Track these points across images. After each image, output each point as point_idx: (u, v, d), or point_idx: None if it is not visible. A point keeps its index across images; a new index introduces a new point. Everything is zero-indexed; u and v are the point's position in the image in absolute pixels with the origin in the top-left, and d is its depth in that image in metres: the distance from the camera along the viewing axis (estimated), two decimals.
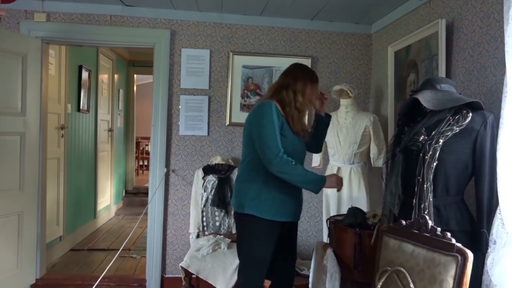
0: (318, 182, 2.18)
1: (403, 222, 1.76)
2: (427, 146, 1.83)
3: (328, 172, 3.36)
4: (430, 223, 1.65)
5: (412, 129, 1.94)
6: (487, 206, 1.79)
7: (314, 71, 2.42)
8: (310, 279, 2.84)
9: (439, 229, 1.61)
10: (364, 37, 3.83)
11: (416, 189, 1.84)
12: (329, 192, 3.35)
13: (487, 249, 1.77)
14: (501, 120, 1.81)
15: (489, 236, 1.78)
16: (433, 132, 1.85)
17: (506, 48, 1.80)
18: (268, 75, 3.75)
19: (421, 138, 1.88)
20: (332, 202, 3.35)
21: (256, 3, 3.39)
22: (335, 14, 3.57)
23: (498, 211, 1.77)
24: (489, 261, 1.72)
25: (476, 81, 2.21)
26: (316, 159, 3.52)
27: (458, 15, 2.42)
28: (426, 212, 1.80)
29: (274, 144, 2.12)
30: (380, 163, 3.28)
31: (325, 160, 3.50)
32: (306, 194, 3.81)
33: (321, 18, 3.69)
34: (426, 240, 1.63)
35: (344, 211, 3.24)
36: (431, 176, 1.80)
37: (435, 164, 1.79)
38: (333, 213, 3.31)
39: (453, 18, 2.48)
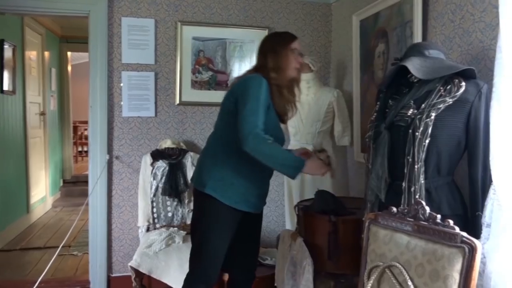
0: (297, 167, 1.89)
1: (394, 209, 1.53)
2: (417, 121, 1.59)
3: None
4: (428, 209, 1.42)
5: (399, 102, 1.69)
6: (482, 186, 1.60)
7: (286, 32, 2.15)
8: (276, 271, 2.60)
9: (439, 216, 1.39)
10: (323, 6, 3.56)
11: (405, 171, 1.61)
12: None
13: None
14: (493, 89, 1.61)
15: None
16: (423, 105, 1.62)
17: (501, 8, 1.59)
18: (221, 48, 3.39)
19: (410, 112, 1.65)
20: (294, 185, 3.10)
21: None
22: None
23: (492, 191, 1.59)
24: (486, 247, 1.54)
25: (458, 48, 2.01)
26: None
27: None
28: (417, 196, 1.58)
29: (253, 119, 1.84)
30: (345, 141, 3.07)
31: (286, 140, 3.23)
32: None
33: None
34: (424, 230, 1.41)
35: (307, 193, 3.02)
36: (423, 155, 1.57)
37: (427, 141, 1.56)
38: (296, 197, 3.07)
39: None
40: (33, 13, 3.76)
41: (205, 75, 3.35)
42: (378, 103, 1.82)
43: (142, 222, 3.14)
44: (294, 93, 2.14)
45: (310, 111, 3.03)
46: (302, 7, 3.52)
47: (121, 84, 3.21)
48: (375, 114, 1.79)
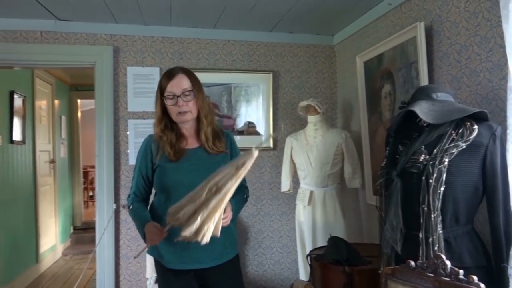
0: (141, 233, 1.80)
1: (412, 263, 1.43)
2: (429, 167, 1.52)
3: (299, 197, 3.02)
4: (448, 264, 1.32)
5: (409, 147, 1.63)
6: (505, 233, 1.50)
7: (167, 71, 1.90)
8: None
9: (461, 271, 1.29)
10: (326, 48, 3.58)
11: (421, 221, 1.52)
12: (301, 219, 3.01)
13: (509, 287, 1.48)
14: (508, 131, 1.55)
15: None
16: (435, 150, 1.55)
17: (508, 49, 1.55)
18: (227, 93, 3.39)
19: (422, 157, 1.58)
20: (306, 230, 3.00)
21: (209, 15, 3.05)
22: (295, 25, 3.30)
23: None
24: None
25: (467, 88, 1.96)
26: (285, 184, 3.16)
27: (438, 17, 2.19)
28: (436, 247, 1.48)
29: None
30: (356, 183, 2.98)
31: (296, 184, 3.16)
32: (277, 222, 3.48)
33: (280, 29, 3.40)
34: (446, 287, 1.31)
35: (319, 239, 2.91)
36: (439, 204, 1.49)
37: (442, 188, 1.49)
38: (308, 242, 2.96)
39: (431, 21, 2.24)
40: (41, 66, 3.84)
41: None
42: (387, 148, 1.76)
43: (150, 274, 3.04)
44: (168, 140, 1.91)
45: (319, 153, 2.97)
46: (306, 49, 3.53)
47: (128, 132, 3.20)
48: (385, 160, 1.72)
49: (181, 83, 1.82)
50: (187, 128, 1.89)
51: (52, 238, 5.62)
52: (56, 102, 5.96)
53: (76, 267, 5.42)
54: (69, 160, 6.78)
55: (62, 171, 6.26)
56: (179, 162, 1.82)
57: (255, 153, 1.50)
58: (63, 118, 6.44)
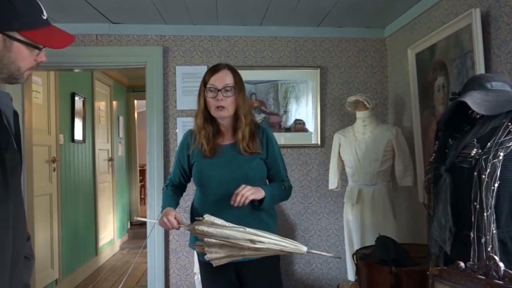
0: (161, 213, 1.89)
1: (462, 264, 1.33)
2: (482, 162, 1.41)
3: (347, 196, 2.94)
4: (502, 266, 1.22)
5: (460, 141, 1.53)
6: None
7: (213, 65, 1.96)
8: None
9: None
10: (377, 42, 3.45)
11: (473, 219, 1.42)
12: (350, 217, 2.92)
13: None
14: None
15: None
16: (489, 144, 1.44)
17: None
18: (273, 90, 3.38)
19: (474, 152, 1.47)
20: (354, 229, 2.92)
21: (255, 12, 3.04)
22: (343, 19, 3.21)
23: None
24: None
25: None
26: (333, 181, 3.08)
27: (495, 2, 2.03)
28: (489, 248, 1.38)
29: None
30: (408, 181, 2.85)
31: (344, 181, 3.08)
32: (324, 220, 3.41)
33: (328, 24, 3.33)
34: None
35: (368, 238, 2.81)
36: (493, 201, 1.38)
37: (496, 185, 1.37)
38: (356, 241, 2.88)
39: (487, 7, 2.09)
40: (96, 67, 4.05)
41: (258, 118, 3.34)
42: (436, 142, 1.66)
43: (197, 268, 3.09)
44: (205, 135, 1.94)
45: (367, 150, 2.88)
46: (355, 43, 3.43)
47: (177, 130, 3.28)
48: (434, 154, 1.63)
49: (224, 78, 1.87)
50: (225, 124, 1.92)
51: (110, 233, 5.91)
52: (114, 103, 6.26)
53: (132, 260, 5.65)
54: (127, 158, 7.09)
55: (120, 169, 6.56)
56: (213, 158, 1.88)
57: (304, 250, 1.54)
58: (121, 118, 6.74)
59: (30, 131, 3.30)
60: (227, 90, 1.85)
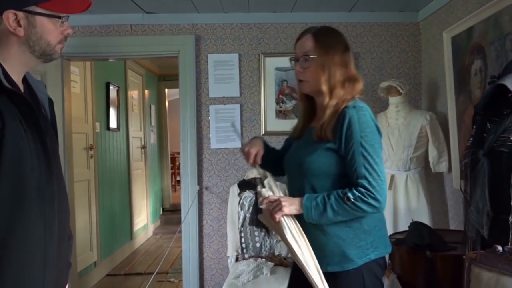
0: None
1: (499, 248, 1.33)
2: None
3: None
4: None
5: (499, 125, 1.51)
6: None
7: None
8: None
9: None
10: (410, 26, 3.39)
11: (511, 204, 1.40)
12: None
13: None
14: None
15: None
16: None
17: None
18: None
19: None
20: (387, 215, 2.90)
21: None
22: (376, 3, 3.17)
23: None
24: None
25: None
26: None
27: None
28: None
29: None
30: (442, 167, 2.82)
31: None
32: None
33: (360, 9, 3.28)
34: None
35: (401, 224, 2.81)
36: None
37: None
38: (389, 228, 2.86)
39: None
40: (131, 57, 4.16)
41: (289, 104, 3.35)
42: (474, 126, 1.64)
43: (231, 252, 3.18)
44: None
45: (401, 136, 2.86)
46: (387, 28, 3.38)
47: (209, 118, 3.34)
48: (471, 139, 1.61)
49: (303, 45, 1.53)
50: (319, 101, 1.53)
51: (144, 218, 6.10)
52: (146, 92, 6.40)
53: (165, 245, 5.81)
54: (158, 146, 7.26)
55: (152, 156, 6.73)
56: (298, 140, 1.63)
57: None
58: (153, 107, 6.89)
59: (69, 119, 3.43)
60: (306, 60, 1.49)
